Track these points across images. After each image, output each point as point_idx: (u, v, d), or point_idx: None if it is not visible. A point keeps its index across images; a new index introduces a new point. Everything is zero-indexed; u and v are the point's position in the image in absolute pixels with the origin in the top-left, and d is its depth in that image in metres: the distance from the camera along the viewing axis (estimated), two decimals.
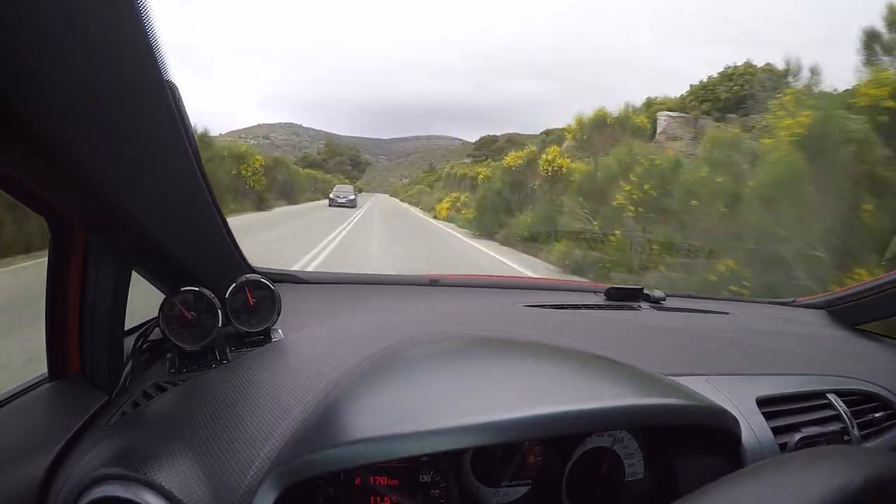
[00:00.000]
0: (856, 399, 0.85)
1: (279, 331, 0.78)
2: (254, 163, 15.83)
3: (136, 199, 0.53)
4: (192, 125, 0.54)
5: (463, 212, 14.30)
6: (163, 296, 0.70)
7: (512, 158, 11.64)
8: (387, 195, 59.65)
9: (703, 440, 0.64)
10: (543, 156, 10.18)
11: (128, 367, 0.67)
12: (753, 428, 0.71)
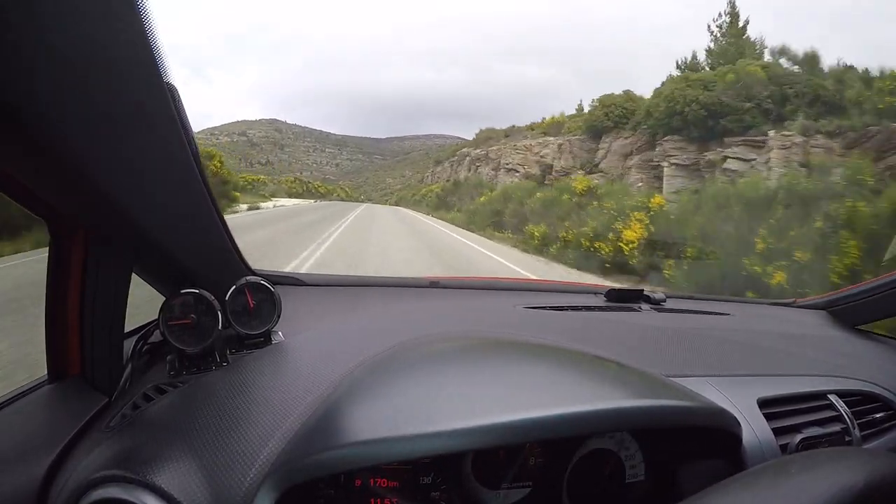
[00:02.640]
0: (857, 400, 0.85)
1: (279, 333, 0.78)
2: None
3: (137, 201, 0.53)
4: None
5: None
6: (163, 298, 0.70)
7: None
8: (393, 208, 29.16)
9: (704, 441, 0.64)
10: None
11: (128, 370, 0.67)
12: (754, 429, 0.70)
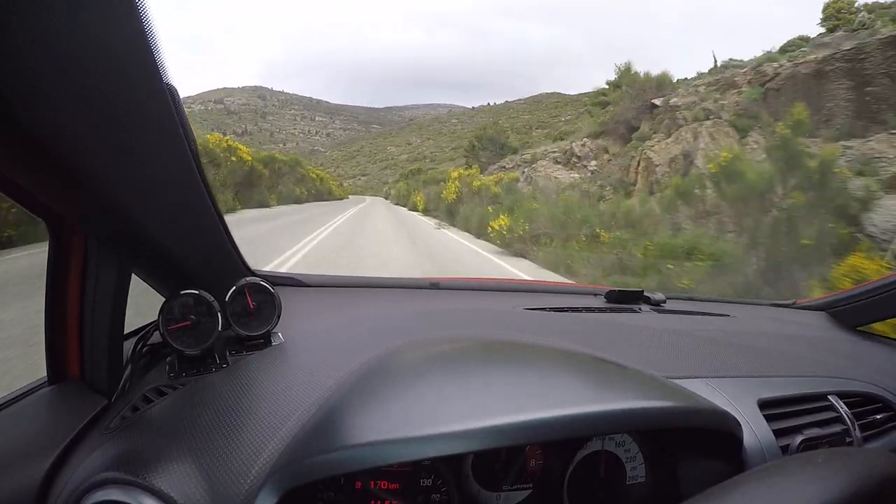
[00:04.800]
0: (857, 401, 0.85)
1: (279, 334, 0.78)
2: None
3: (136, 202, 0.53)
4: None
5: None
6: (162, 298, 0.70)
7: None
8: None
9: (704, 443, 0.64)
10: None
11: (127, 371, 0.67)
12: (755, 430, 0.70)
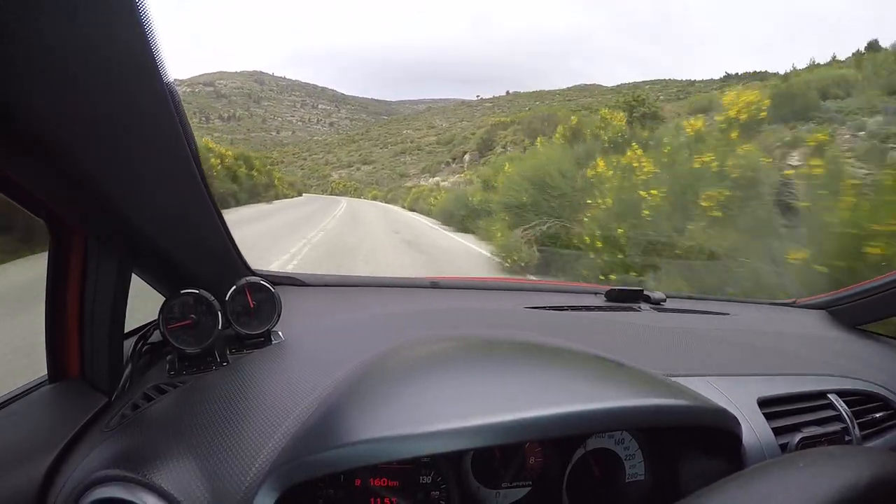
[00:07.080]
0: (856, 399, 0.85)
1: (279, 333, 0.78)
2: None
3: (136, 202, 0.53)
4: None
5: None
6: (162, 298, 0.70)
7: None
8: None
9: (704, 441, 0.64)
10: None
11: (127, 370, 0.67)
12: (754, 428, 0.70)
